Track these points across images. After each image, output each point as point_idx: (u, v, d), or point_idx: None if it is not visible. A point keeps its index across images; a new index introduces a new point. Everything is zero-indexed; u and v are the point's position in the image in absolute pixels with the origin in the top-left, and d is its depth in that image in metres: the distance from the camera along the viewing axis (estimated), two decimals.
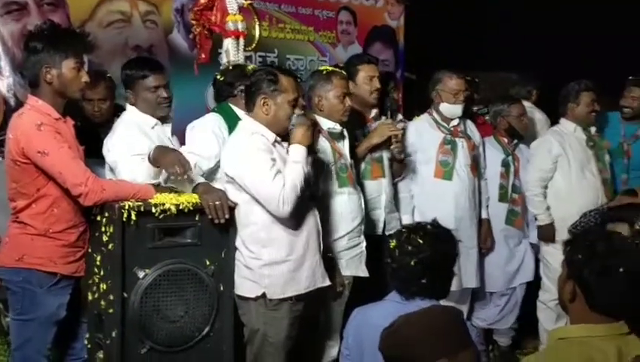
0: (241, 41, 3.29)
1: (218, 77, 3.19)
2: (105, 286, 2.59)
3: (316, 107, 3.12)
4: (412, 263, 2.18)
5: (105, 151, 2.87)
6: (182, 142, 3.06)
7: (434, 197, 3.58)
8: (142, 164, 2.75)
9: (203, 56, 3.33)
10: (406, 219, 3.48)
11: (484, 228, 3.78)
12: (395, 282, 2.26)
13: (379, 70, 3.46)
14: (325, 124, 3.11)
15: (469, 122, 3.84)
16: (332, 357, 3.09)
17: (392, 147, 3.34)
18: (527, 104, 4.24)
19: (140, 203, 2.57)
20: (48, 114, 2.58)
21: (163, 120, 2.99)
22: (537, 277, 3.92)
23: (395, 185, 3.56)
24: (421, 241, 2.20)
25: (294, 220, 2.70)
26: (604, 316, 1.70)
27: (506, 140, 3.92)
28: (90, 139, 2.88)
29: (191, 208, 2.63)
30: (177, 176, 2.66)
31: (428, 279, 2.18)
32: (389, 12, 5.52)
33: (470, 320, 3.87)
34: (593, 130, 3.90)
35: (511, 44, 6.54)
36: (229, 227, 2.71)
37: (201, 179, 2.78)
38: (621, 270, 1.68)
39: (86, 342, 2.74)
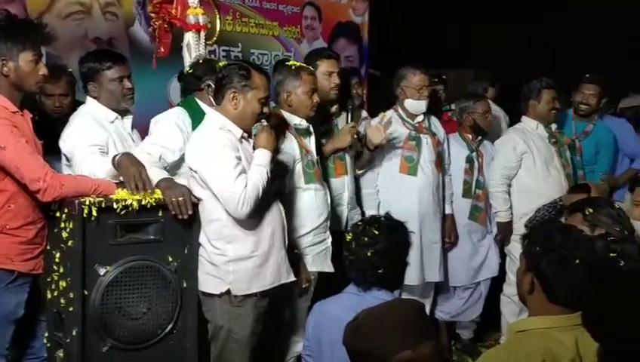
0: (202, 34, 3.25)
1: (187, 69, 3.16)
2: (64, 284, 2.54)
3: (285, 102, 3.11)
4: (369, 254, 2.29)
5: (61, 142, 2.82)
6: (143, 136, 3.01)
7: (399, 192, 3.60)
8: (99, 156, 2.70)
9: (162, 50, 3.28)
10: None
11: (447, 223, 3.83)
12: (352, 274, 2.35)
13: (339, 65, 3.46)
14: (292, 120, 3.10)
15: (433, 118, 3.87)
16: (297, 353, 3.09)
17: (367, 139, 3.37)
18: None
19: (100, 198, 2.53)
20: (5, 107, 2.51)
21: (124, 113, 2.94)
22: (502, 272, 3.98)
23: (358, 181, 3.58)
24: (377, 233, 2.32)
25: (259, 216, 2.69)
26: (563, 307, 1.73)
27: (470, 137, 3.97)
28: (50, 135, 2.81)
29: (153, 204, 2.60)
30: (133, 191, 2.59)
31: (384, 269, 2.28)
32: (353, 8, 5.53)
33: (433, 313, 3.93)
34: (554, 126, 3.97)
35: (473, 41, 6.64)
36: (192, 223, 2.68)
37: (165, 174, 2.75)
38: (577, 261, 1.72)
39: (45, 341, 2.69)
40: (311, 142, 3.16)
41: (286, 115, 3.10)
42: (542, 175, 3.82)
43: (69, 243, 2.51)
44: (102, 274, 2.54)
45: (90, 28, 4.03)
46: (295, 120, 3.11)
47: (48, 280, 2.63)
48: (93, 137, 2.76)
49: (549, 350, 1.70)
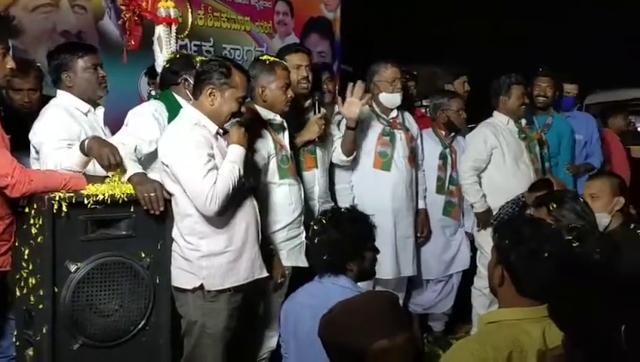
0: (174, 28, 3.22)
1: (164, 64, 3.13)
2: (34, 281, 2.49)
3: (259, 97, 3.10)
4: (316, 241, 2.46)
5: (31, 134, 2.78)
6: (113, 131, 2.97)
7: (372, 187, 3.62)
8: (68, 151, 2.66)
9: (132, 42, 3.24)
10: None
11: (420, 218, 3.86)
12: (309, 261, 2.53)
13: (310, 60, 3.46)
14: (266, 115, 3.09)
15: (407, 114, 3.89)
16: (271, 348, 3.08)
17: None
18: None
19: (71, 194, 2.49)
20: None
21: (95, 106, 2.90)
22: (472, 265, 4.03)
23: (332, 176, 3.58)
24: (325, 222, 2.48)
25: (233, 212, 2.67)
26: (531, 299, 1.77)
27: (443, 133, 4.01)
28: (18, 131, 2.76)
29: (125, 199, 2.57)
30: (109, 171, 2.60)
31: (328, 256, 2.40)
32: (325, 3, 5.53)
33: (407, 306, 3.97)
34: (524, 122, 4.03)
35: (444, 37, 6.71)
36: (165, 218, 2.66)
37: (139, 168, 2.72)
38: (546, 254, 1.76)
39: (14, 339, 2.64)
40: (285, 138, 3.15)
41: (260, 110, 3.08)
42: (511, 170, 3.86)
43: (39, 239, 2.46)
44: (73, 270, 2.50)
45: (58, 21, 3.96)
46: (269, 115, 3.09)
47: (17, 277, 2.58)
48: (63, 131, 2.72)
49: (517, 341, 1.73)
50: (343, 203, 3.55)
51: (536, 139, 4.03)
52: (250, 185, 2.80)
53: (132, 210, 2.61)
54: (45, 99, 3.10)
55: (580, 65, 5.68)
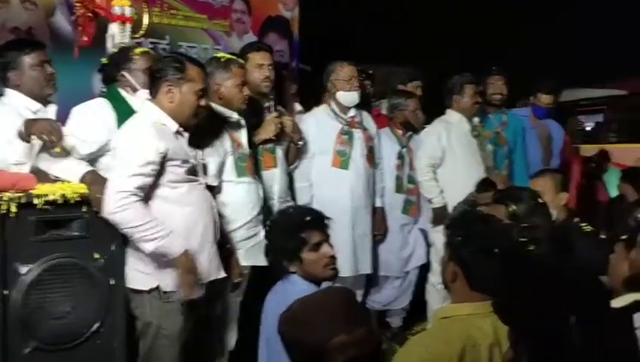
0: (128, 26, 3.17)
1: (104, 60, 3.08)
2: None
3: (215, 95, 3.07)
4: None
5: None
6: None
7: (331, 186, 3.65)
8: (10, 146, 2.57)
9: (85, 38, 3.18)
10: None
11: (377, 216, 3.89)
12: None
13: (272, 58, 3.45)
14: (223, 112, 3.07)
15: (365, 113, 3.93)
16: (230, 348, 3.07)
17: (290, 134, 3.38)
18: None
19: (20, 193, 2.41)
20: None
21: (47, 102, 2.83)
22: (428, 261, 4.09)
23: (292, 175, 3.59)
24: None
25: (190, 211, 2.64)
26: (482, 294, 1.80)
27: (401, 132, 4.05)
28: None
29: (77, 199, 2.51)
30: (49, 144, 2.52)
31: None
32: (283, 2, 5.50)
33: (365, 303, 4.00)
34: (477, 120, 4.11)
35: (401, 37, 6.77)
36: None
37: (89, 166, 2.66)
38: (496, 250, 1.80)
39: None
40: (243, 136, 3.13)
41: (217, 107, 3.06)
42: (462, 167, 3.93)
43: None
44: (23, 272, 2.44)
45: (8, 18, 3.84)
46: (226, 112, 3.07)
47: None
48: (9, 130, 2.64)
49: (470, 336, 1.76)
50: (302, 201, 3.57)
51: (487, 137, 4.11)
52: (210, 182, 2.77)
53: (84, 210, 2.55)
54: None
55: (529, 66, 5.83)
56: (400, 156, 4.00)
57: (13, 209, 2.38)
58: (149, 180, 2.52)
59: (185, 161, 2.64)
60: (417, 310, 4.18)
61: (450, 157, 3.94)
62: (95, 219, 2.56)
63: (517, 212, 2.45)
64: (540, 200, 2.58)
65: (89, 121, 2.83)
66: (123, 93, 2.95)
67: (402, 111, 4.03)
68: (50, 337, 2.50)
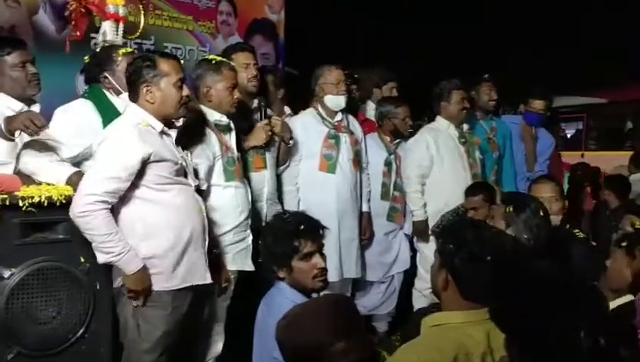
0: (121, 26, 3.13)
1: (86, 59, 3.04)
2: None
3: (204, 97, 3.04)
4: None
5: None
6: None
7: (318, 189, 3.63)
8: None
9: (78, 33, 3.13)
10: None
11: (364, 220, 3.89)
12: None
13: (255, 57, 3.44)
14: (212, 115, 3.04)
15: (351, 118, 3.93)
16: (217, 353, 3.03)
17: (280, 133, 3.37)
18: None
19: (4, 196, 2.37)
20: None
21: (30, 102, 2.78)
22: (413, 266, 4.09)
23: (279, 178, 3.57)
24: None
25: (178, 214, 2.60)
26: (474, 303, 1.79)
27: (388, 139, 4.05)
28: None
29: (63, 201, 2.47)
30: (34, 132, 2.47)
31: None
32: (269, 5, 5.50)
33: None
34: (465, 127, 4.12)
35: (388, 40, 6.80)
36: None
37: (73, 168, 2.61)
38: (488, 258, 1.79)
39: None
40: (231, 139, 3.10)
41: (206, 110, 3.03)
42: (449, 174, 3.93)
43: None
44: (6, 276, 2.39)
45: None
46: (215, 115, 3.04)
47: None
48: None
49: (462, 344, 1.74)
50: (289, 205, 3.55)
51: (476, 144, 4.13)
52: (198, 185, 2.74)
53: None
54: None
55: (515, 72, 5.88)
56: (387, 163, 4.00)
57: None
58: (124, 185, 2.47)
59: (173, 162, 2.60)
60: (401, 314, 4.18)
61: (437, 164, 3.94)
62: None
63: (510, 221, 2.45)
64: (542, 208, 2.58)
65: (70, 123, 2.79)
66: (106, 92, 2.91)
67: (392, 119, 4.03)
68: (35, 343, 2.45)
